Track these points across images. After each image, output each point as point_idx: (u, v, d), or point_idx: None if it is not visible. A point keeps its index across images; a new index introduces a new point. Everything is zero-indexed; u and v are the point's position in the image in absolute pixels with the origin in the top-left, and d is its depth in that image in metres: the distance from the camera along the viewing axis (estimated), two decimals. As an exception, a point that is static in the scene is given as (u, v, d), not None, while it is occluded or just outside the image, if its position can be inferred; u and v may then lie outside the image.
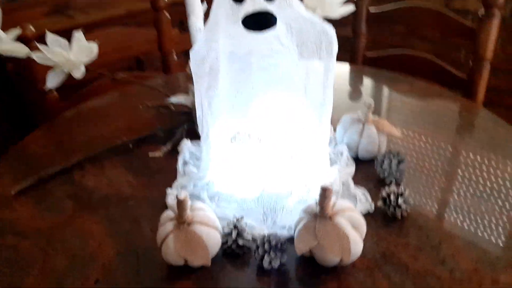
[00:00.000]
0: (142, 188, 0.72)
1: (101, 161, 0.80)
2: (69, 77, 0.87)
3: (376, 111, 0.88)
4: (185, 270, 0.55)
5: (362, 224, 0.52)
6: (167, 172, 0.75)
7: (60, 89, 1.09)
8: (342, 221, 0.51)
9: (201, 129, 0.64)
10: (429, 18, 1.19)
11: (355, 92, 1.04)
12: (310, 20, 0.57)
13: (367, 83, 1.10)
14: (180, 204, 0.51)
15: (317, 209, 0.52)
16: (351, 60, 1.31)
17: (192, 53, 0.57)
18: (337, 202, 0.53)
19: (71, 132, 0.92)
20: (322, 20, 0.58)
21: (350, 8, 0.97)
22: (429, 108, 0.92)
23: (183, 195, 0.51)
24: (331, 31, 0.57)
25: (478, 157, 0.73)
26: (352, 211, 0.53)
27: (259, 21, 0.54)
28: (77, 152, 0.83)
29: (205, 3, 0.77)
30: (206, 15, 0.78)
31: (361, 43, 1.28)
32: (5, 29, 0.85)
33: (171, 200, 0.66)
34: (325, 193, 0.49)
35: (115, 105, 1.04)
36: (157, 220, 0.57)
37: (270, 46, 0.60)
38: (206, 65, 0.59)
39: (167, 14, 1.22)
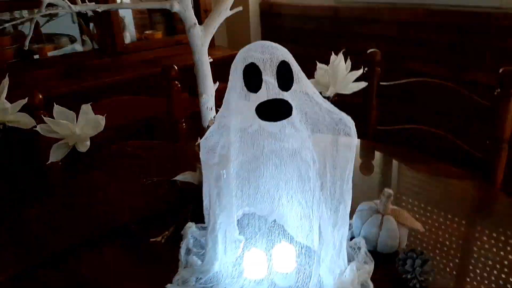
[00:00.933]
0: (142, 281, 0.66)
1: (99, 245, 0.75)
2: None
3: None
4: None
5: None
6: (170, 261, 0.69)
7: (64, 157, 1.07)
8: None
9: (207, 220, 0.59)
10: (443, 93, 1.18)
11: (368, 171, 1.00)
12: (327, 109, 0.54)
13: (381, 161, 1.06)
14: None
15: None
16: (362, 133, 1.28)
17: (202, 142, 0.54)
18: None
19: (71, 209, 0.88)
20: (339, 111, 0.55)
21: (362, 84, 0.96)
22: (449, 193, 0.87)
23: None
24: (349, 121, 0.53)
25: (508, 251, 0.67)
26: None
27: (274, 110, 0.51)
28: (73, 235, 0.78)
29: (217, 82, 0.76)
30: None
31: (372, 117, 1.26)
32: (18, 88, 0.84)
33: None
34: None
35: (119, 179, 1.00)
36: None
37: (283, 129, 0.57)
38: (216, 154, 0.56)
39: (178, 83, 1.22)
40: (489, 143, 1.03)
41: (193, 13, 0.67)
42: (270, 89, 0.52)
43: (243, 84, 0.52)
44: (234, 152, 0.57)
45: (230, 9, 0.70)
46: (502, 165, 1.03)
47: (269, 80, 0.52)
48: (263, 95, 0.52)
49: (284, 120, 0.55)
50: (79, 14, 2.10)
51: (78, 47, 2.02)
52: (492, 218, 0.81)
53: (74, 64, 1.83)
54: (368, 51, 1.22)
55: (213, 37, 2.07)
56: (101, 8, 0.62)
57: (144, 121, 1.77)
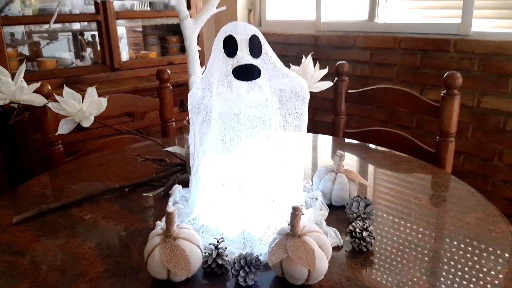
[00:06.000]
0: (135, 222, 0.79)
1: (98, 200, 0.87)
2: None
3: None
4: (168, 286, 0.60)
5: (327, 244, 0.59)
6: (159, 211, 0.83)
7: (66, 145, 1.20)
8: (309, 239, 0.57)
9: (192, 163, 0.72)
10: (401, 97, 1.34)
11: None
12: (288, 74, 0.70)
13: (346, 152, 1.21)
14: (168, 217, 0.58)
15: (288, 229, 0.59)
16: (333, 135, 1.44)
17: (190, 94, 0.69)
18: (307, 225, 0.60)
19: (73, 179, 1.00)
20: (296, 75, 0.71)
21: (328, 83, 1.12)
22: (400, 172, 1.02)
23: (171, 208, 0.58)
24: (304, 83, 0.69)
25: (441, 208, 0.81)
26: (319, 233, 0.60)
27: (246, 72, 0.66)
28: (77, 193, 0.90)
29: (204, 66, 0.91)
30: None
31: (341, 120, 1.42)
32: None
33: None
34: (295, 212, 0.57)
35: (115, 159, 1.13)
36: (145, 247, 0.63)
37: (256, 101, 0.72)
38: (201, 104, 0.70)
39: (169, 85, 1.37)
40: (438, 138, 1.19)
41: (186, 7, 0.83)
42: (243, 57, 0.68)
43: (223, 52, 0.68)
44: (216, 114, 0.72)
45: (217, 8, 0.87)
46: (450, 157, 1.19)
47: (243, 49, 0.68)
48: (238, 61, 0.68)
49: (257, 91, 0.71)
50: (80, 33, 2.28)
51: (77, 62, 2.18)
52: (432, 186, 0.95)
53: (73, 76, 1.99)
54: (337, 63, 1.40)
55: (205, 61, 2.25)
56: (112, -1, 0.79)
57: (136, 130, 1.91)
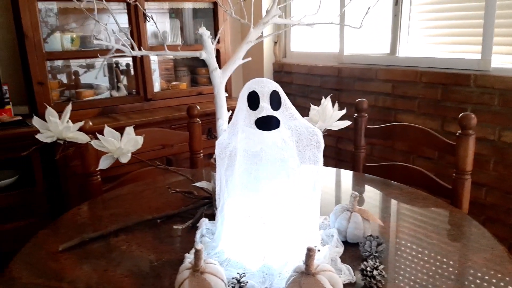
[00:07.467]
0: (165, 252, 0.87)
1: (133, 231, 0.96)
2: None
3: (372, 209, 1.04)
4: (195, 315, 0.67)
5: (339, 282, 0.65)
6: (187, 242, 0.91)
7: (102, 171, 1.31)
8: (322, 278, 0.64)
9: (218, 202, 0.81)
10: (419, 135, 1.39)
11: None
12: (305, 125, 0.78)
13: (366, 186, 1.27)
14: (197, 253, 0.66)
15: (303, 267, 0.65)
16: (354, 168, 1.50)
17: (217, 142, 0.78)
18: (320, 264, 0.67)
19: (110, 208, 1.10)
20: (312, 125, 0.79)
21: (346, 122, 1.19)
22: (415, 208, 1.07)
23: (199, 246, 0.66)
24: (319, 133, 0.76)
25: (451, 248, 0.86)
26: (332, 272, 0.66)
27: (267, 122, 0.74)
28: (114, 223, 1.00)
29: (230, 111, 1.00)
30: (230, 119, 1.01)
31: (361, 154, 1.48)
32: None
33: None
34: (309, 252, 0.64)
35: (148, 190, 1.23)
36: (175, 276, 0.71)
37: (276, 144, 0.80)
38: (227, 151, 0.79)
39: (198, 120, 1.47)
40: (455, 175, 1.23)
41: (215, 60, 0.93)
42: (265, 109, 0.76)
43: (247, 105, 0.77)
44: (240, 158, 0.80)
45: (243, 59, 0.96)
46: (467, 194, 1.23)
47: (265, 103, 0.76)
48: (260, 113, 0.76)
49: (277, 136, 0.79)
50: (116, 64, 2.44)
51: (113, 93, 2.33)
52: (447, 224, 0.99)
53: (109, 106, 2.13)
54: (357, 100, 1.47)
55: (232, 91, 2.42)
56: (151, 53, 0.89)
57: (165, 157, 2.02)
